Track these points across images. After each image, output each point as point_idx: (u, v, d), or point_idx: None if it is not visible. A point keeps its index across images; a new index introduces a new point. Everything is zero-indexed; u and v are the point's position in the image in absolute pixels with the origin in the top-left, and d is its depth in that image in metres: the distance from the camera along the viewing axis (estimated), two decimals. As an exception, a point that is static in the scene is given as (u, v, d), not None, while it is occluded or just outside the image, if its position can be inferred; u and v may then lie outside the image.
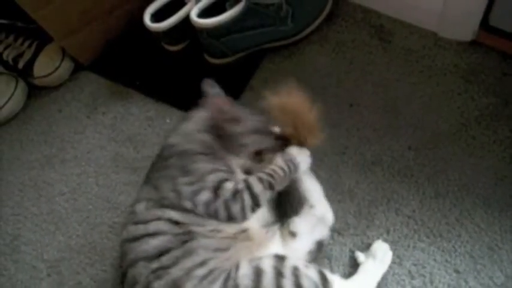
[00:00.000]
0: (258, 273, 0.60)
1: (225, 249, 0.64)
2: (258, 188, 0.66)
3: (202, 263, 0.61)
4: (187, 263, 0.61)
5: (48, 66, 1.00)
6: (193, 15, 0.88)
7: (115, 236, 0.84)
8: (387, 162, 0.82)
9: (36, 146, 0.97)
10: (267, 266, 0.60)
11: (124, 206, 0.86)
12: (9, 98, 1.00)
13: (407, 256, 0.74)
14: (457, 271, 0.72)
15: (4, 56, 1.02)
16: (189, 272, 0.60)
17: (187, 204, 0.65)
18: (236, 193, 0.66)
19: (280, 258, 0.62)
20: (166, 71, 0.99)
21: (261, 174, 0.68)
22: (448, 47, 0.91)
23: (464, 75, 0.88)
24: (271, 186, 0.67)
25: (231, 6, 0.88)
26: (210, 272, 0.61)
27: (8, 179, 0.94)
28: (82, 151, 0.94)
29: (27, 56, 1.01)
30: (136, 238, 0.65)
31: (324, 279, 0.62)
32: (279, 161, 0.70)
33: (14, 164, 0.96)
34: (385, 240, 0.75)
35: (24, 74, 1.02)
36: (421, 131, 0.84)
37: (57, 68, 1.01)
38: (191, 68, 0.98)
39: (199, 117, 0.75)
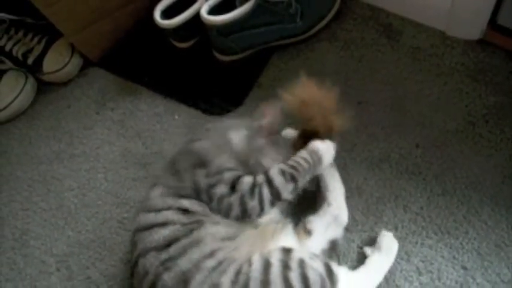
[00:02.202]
0: (266, 267, 0.60)
1: (232, 238, 0.64)
2: (278, 180, 0.65)
3: (210, 254, 0.61)
4: (195, 253, 0.61)
5: (57, 62, 1.01)
6: (204, 12, 0.88)
7: (124, 231, 0.84)
8: (395, 159, 0.83)
9: (45, 142, 0.97)
10: (274, 259, 0.60)
11: (133, 202, 0.87)
12: (19, 94, 1.00)
13: (415, 253, 0.75)
14: (464, 268, 0.73)
15: (14, 51, 1.02)
16: (197, 264, 0.60)
17: (204, 197, 0.65)
18: (254, 187, 0.65)
19: (286, 251, 0.62)
20: (175, 67, 1.00)
21: (283, 166, 0.67)
22: (456, 45, 0.92)
23: (471, 73, 0.89)
24: (293, 179, 0.66)
25: (241, 4, 0.88)
26: (219, 263, 0.61)
27: (17, 174, 0.95)
28: (91, 147, 0.95)
29: (37, 52, 1.01)
30: (146, 228, 0.65)
31: (330, 271, 0.62)
32: (302, 152, 0.69)
33: (23, 159, 0.96)
34: (394, 237, 0.76)
35: (34, 69, 1.02)
36: (428, 129, 0.85)
37: (66, 64, 1.01)
38: (200, 65, 0.99)
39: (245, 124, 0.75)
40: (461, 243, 0.75)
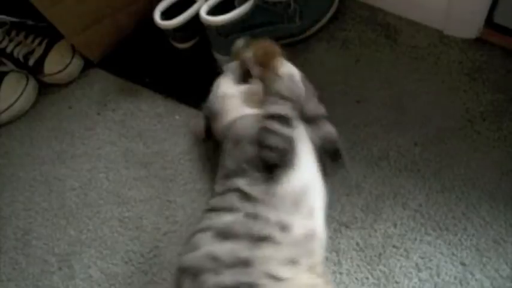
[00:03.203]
0: None
1: (281, 279, 0.60)
2: (270, 109, 0.68)
3: (251, 286, 0.59)
4: (239, 275, 0.59)
5: (58, 63, 1.02)
6: (203, 13, 0.89)
7: (125, 230, 0.85)
8: (394, 157, 0.84)
9: (47, 142, 0.98)
10: None
11: (134, 201, 0.87)
12: (20, 95, 1.01)
13: (414, 249, 0.75)
14: (463, 264, 0.73)
15: (15, 53, 1.03)
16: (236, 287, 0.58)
17: (244, 167, 0.66)
18: (263, 131, 0.66)
19: None
20: (176, 68, 1.01)
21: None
22: (454, 44, 0.93)
23: (469, 72, 0.90)
24: (277, 97, 0.69)
25: (240, 4, 0.89)
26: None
27: (19, 174, 0.95)
28: (92, 147, 0.96)
29: (38, 53, 1.02)
30: (214, 209, 0.66)
31: None
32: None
33: (24, 159, 0.97)
34: (393, 234, 0.77)
35: (35, 71, 1.03)
36: (427, 127, 0.85)
37: (67, 66, 1.02)
38: (200, 65, 0.99)
39: None
40: (460, 240, 0.75)
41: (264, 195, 0.64)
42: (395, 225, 0.78)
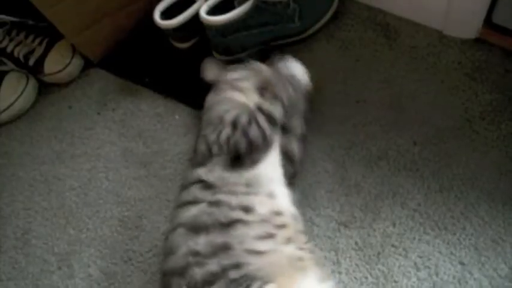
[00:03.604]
0: None
1: (262, 253, 0.63)
2: (265, 104, 0.73)
3: (237, 266, 0.61)
4: (225, 260, 0.62)
5: (58, 63, 1.02)
6: (203, 13, 0.89)
7: (125, 229, 0.85)
8: (393, 157, 0.84)
9: (47, 142, 0.98)
10: None
11: (133, 200, 0.88)
12: (20, 95, 1.01)
13: (413, 248, 0.75)
14: (462, 263, 0.74)
15: (15, 53, 1.04)
16: (224, 271, 0.61)
17: (215, 150, 0.69)
18: (251, 118, 0.70)
19: None
20: (175, 68, 1.01)
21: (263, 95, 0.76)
22: (453, 44, 0.93)
23: (468, 72, 0.90)
24: (276, 96, 0.74)
25: (240, 4, 0.89)
26: (241, 277, 0.61)
27: (19, 174, 0.96)
28: (92, 146, 0.96)
29: (38, 53, 1.02)
30: (180, 205, 0.68)
31: None
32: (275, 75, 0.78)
33: (24, 159, 0.97)
34: (391, 233, 0.77)
35: (35, 71, 1.04)
36: (426, 127, 0.86)
37: (67, 65, 1.02)
38: (199, 65, 0.99)
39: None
40: (458, 239, 0.75)
41: (220, 181, 0.68)
42: (394, 225, 0.78)
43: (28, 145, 0.99)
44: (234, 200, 0.66)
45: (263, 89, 0.79)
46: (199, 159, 0.72)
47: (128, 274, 0.81)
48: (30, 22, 1.06)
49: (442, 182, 0.80)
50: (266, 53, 0.98)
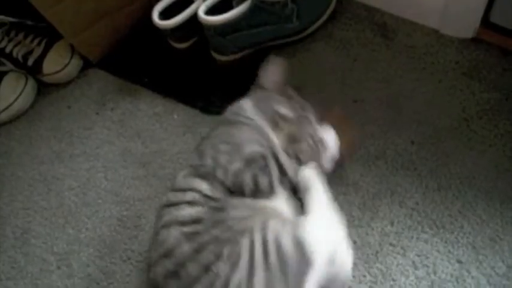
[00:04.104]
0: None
1: (250, 216, 0.66)
2: (284, 158, 0.70)
3: (227, 229, 0.63)
4: (216, 231, 0.63)
5: (57, 63, 1.02)
6: (201, 13, 0.90)
7: (123, 229, 0.85)
8: (391, 156, 0.84)
9: (46, 142, 0.99)
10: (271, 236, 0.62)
11: (132, 200, 0.88)
12: (19, 95, 1.01)
13: (411, 247, 0.76)
14: (459, 261, 0.74)
15: (14, 53, 1.04)
16: (216, 238, 0.62)
17: (219, 173, 0.68)
18: (264, 164, 0.68)
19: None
20: (174, 68, 1.01)
21: (288, 148, 0.73)
22: (450, 44, 0.93)
23: (465, 71, 0.90)
24: (298, 159, 0.72)
25: (238, 4, 0.90)
26: (233, 234, 0.62)
27: (18, 174, 0.96)
28: (91, 146, 0.96)
29: (37, 53, 1.03)
30: (174, 204, 0.67)
31: None
32: (308, 139, 0.75)
33: (23, 159, 0.97)
34: (389, 232, 0.77)
35: (34, 71, 1.04)
36: (423, 126, 0.86)
37: (66, 65, 1.02)
38: (198, 65, 1.00)
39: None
40: (456, 238, 0.76)
41: (224, 199, 0.68)
42: (392, 224, 0.78)
43: (27, 145, 0.99)
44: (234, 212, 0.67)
45: (292, 141, 0.77)
46: (201, 171, 0.70)
47: (127, 273, 0.81)
48: (29, 22, 1.06)
49: (440, 181, 0.81)
50: (264, 53, 0.99)
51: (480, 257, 0.74)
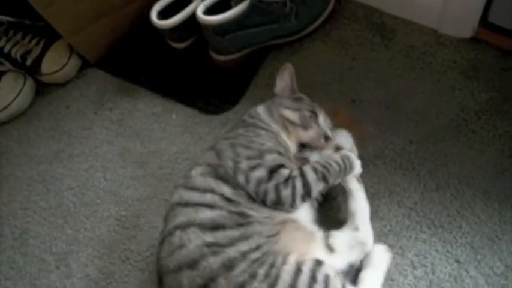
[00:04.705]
0: (297, 272, 0.61)
1: (275, 235, 0.66)
2: (311, 177, 0.69)
3: (257, 248, 0.63)
4: (244, 246, 0.63)
5: (55, 63, 1.02)
6: (199, 13, 0.89)
7: (122, 229, 0.85)
8: (389, 156, 0.84)
9: (44, 142, 0.99)
10: (306, 268, 0.62)
11: (131, 200, 0.88)
12: (18, 95, 1.01)
13: (410, 247, 0.76)
14: (458, 261, 0.74)
15: (12, 53, 1.04)
16: (244, 254, 0.62)
17: (241, 179, 0.68)
18: (289, 179, 0.68)
19: (318, 263, 0.64)
20: (172, 67, 1.01)
21: (316, 165, 0.71)
22: (448, 43, 0.93)
23: (464, 71, 0.90)
24: (324, 178, 0.70)
25: (236, 4, 0.90)
26: (263, 255, 0.63)
27: (17, 174, 0.96)
28: (89, 146, 0.96)
29: (35, 53, 1.03)
30: (190, 204, 0.67)
31: None
32: (335, 156, 0.73)
33: (22, 159, 0.97)
34: (388, 232, 0.77)
35: (32, 71, 1.04)
36: (422, 126, 0.86)
37: (64, 65, 1.02)
38: (197, 65, 1.00)
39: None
40: (454, 237, 0.76)
41: (245, 204, 0.68)
42: (390, 223, 0.78)
43: (26, 145, 0.99)
44: (254, 213, 0.68)
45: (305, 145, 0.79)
46: (221, 172, 0.69)
47: (126, 273, 0.81)
48: (28, 22, 1.06)
49: (439, 181, 0.81)
50: (263, 52, 0.99)
51: (478, 257, 0.74)
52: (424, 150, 0.84)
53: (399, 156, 0.84)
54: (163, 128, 0.95)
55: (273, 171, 0.69)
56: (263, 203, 0.68)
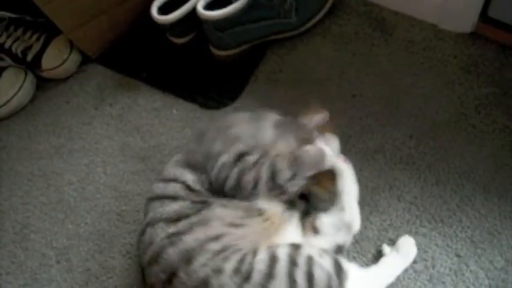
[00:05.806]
0: (272, 260, 0.60)
1: (239, 226, 0.64)
2: (281, 164, 0.66)
3: (216, 237, 0.61)
4: (201, 233, 0.61)
5: (56, 58, 1.02)
6: (200, 8, 0.89)
7: (123, 223, 0.85)
8: (389, 150, 0.84)
9: (45, 137, 0.99)
10: (282, 253, 0.60)
11: (131, 195, 0.88)
12: (18, 90, 1.01)
13: (410, 241, 0.76)
14: (458, 255, 0.74)
15: (13, 49, 1.04)
16: (202, 244, 0.61)
17: (209, 165, 0.67)
18: (256, 164, 0.65)
19: (295, 247, 0.62)
20: (173, 63, 1.01)
21: (289, 157, 0.68)
22: (448, 38, 0.93)
23: (464, 66, 0.90)
24: (293, 169, 0.66)
25: (237, -1, 0.90)
26: (223, 248, 0.61)
27: (17, 169, 0.96)
28: (90, 141, 0.96)
29: (36, 48, 1.03)
30: (157, 197, 0.67)
31: (339, 269, 0.62)
32: (309, 148, 0.70)
33: (22, 154, 0.97)
34: (388, 226, 0.77)
35: (33, 66, 1.04)
36: (422, 120, 0.86)
37: (65, 61, 1.02)
38: (197, 60, 1.00)
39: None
40: (454, 232, 0.76)
41: (205, 193, 0.67)
42: (390, 218, 0.78)
43: (26, 140, 0.99)
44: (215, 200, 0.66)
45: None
46: (194, 159, 0.68)
47: (126, 268, 0.81)
48: (28, 18, 1.06)
49: (438, 175, 0.81)
50: (263, 47, 0.99)
51: (479, 251, 0.74)
52: (424, 144, 0.84)
53: (399, 151, 0.84)
54: (163, 123, 0.95)
55: (239, 157, 0.66)
56: (221, 190, 0.66)
